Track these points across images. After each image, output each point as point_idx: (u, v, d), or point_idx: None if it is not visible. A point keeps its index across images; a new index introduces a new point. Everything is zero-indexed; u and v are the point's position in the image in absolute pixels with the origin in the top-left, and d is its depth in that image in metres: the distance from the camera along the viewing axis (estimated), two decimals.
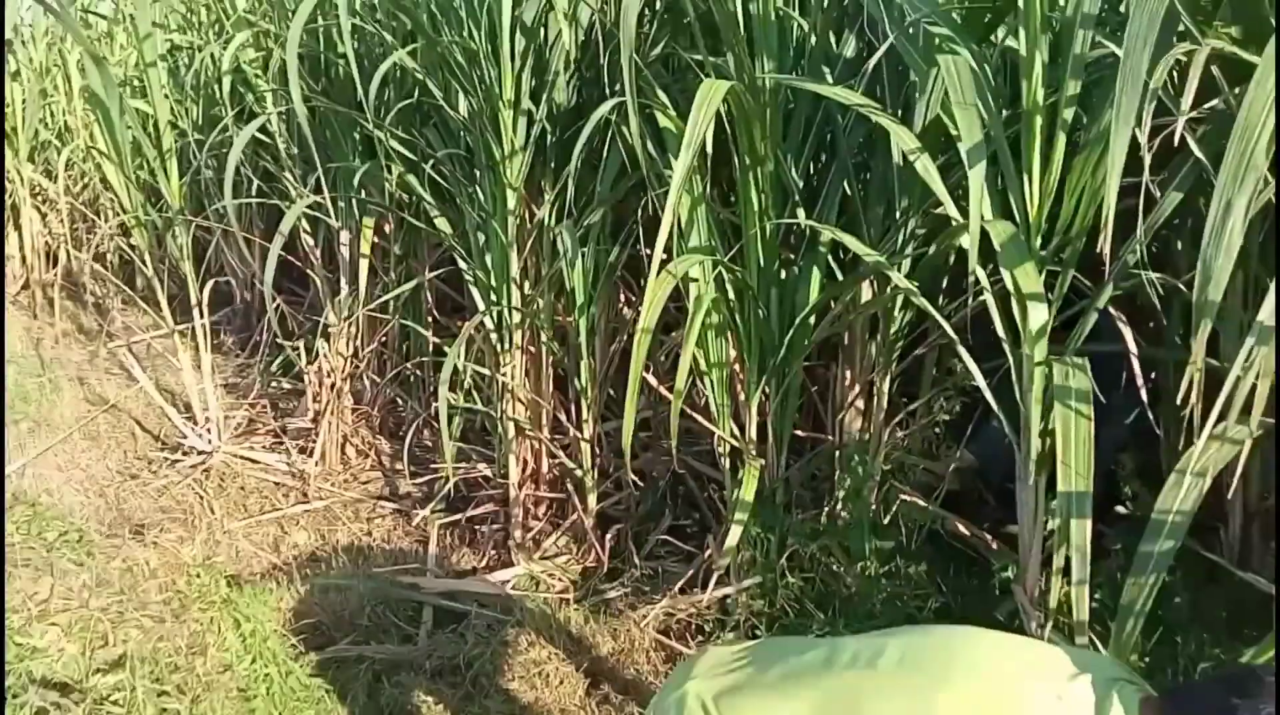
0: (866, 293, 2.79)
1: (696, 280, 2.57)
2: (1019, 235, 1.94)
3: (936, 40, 2.20)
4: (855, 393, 2.90)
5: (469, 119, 3.24)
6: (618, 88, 3.04)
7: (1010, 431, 2.22)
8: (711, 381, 2.78)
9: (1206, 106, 1.85)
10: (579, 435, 3.42)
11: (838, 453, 2.99)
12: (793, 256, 2.80)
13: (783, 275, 2.75)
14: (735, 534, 2.56)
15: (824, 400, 3.15)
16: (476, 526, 3.63)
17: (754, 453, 2.87)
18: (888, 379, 2.76)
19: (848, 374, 2.93)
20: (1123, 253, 2.00)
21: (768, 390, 2.84)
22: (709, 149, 2.63)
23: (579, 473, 3.46)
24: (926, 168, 2.10)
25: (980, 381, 2.18)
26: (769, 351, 2.77)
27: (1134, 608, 1.69)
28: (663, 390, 3.02)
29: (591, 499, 3.48)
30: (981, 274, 2.11)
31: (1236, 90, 1.81)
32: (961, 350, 2.18)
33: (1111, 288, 2.02)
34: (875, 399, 2.81)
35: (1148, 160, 1.77)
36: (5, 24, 2.84)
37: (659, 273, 2.24)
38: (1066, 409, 1.75)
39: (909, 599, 2.56)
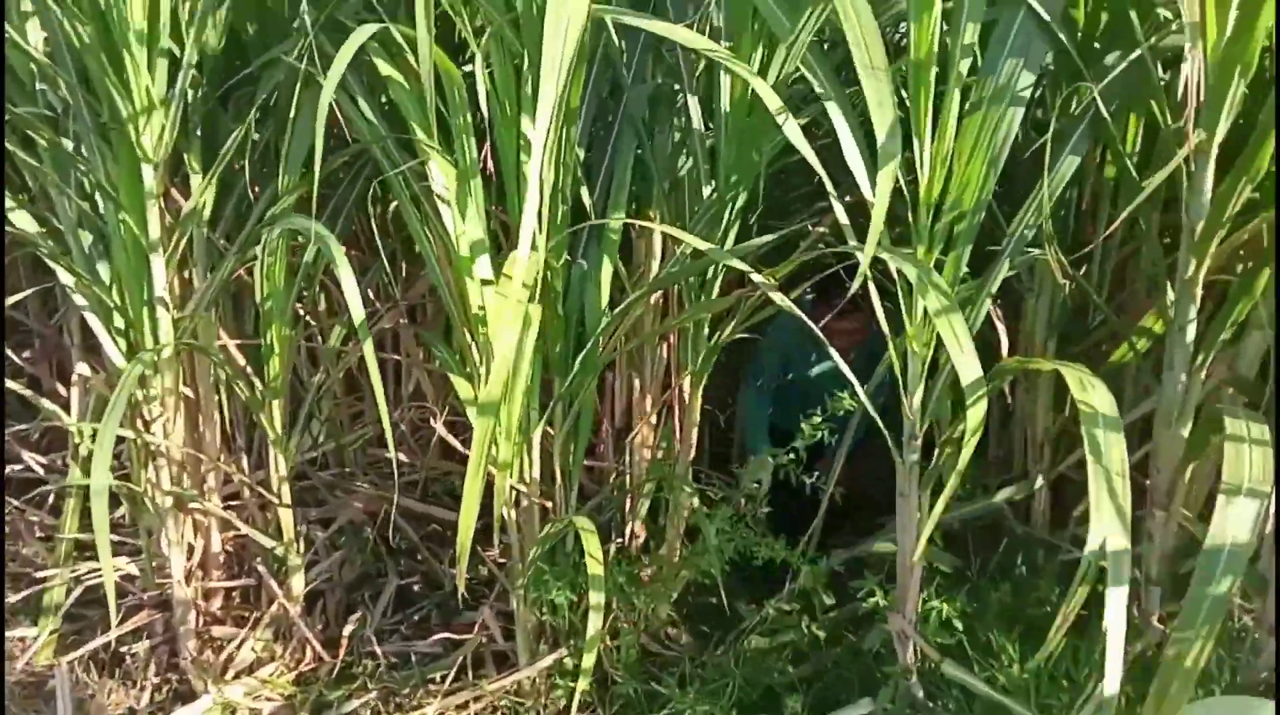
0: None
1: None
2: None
3: None
4: (649, 407, 2.42)
5: (58, 59, 2.16)
6: (296, 24, 2.21)
7: (892, 441, 1.90)
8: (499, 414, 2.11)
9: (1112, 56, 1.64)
10: (274, 497, 2.53)
11: (628, 480, 2.50)
12: (568, 255, 2.21)
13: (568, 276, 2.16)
14: (595, 624, 1.94)
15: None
16: (127, 649, 2.56)
17: (540, 495, 2.27)
18: (700, 386, 2.30)
19: (636, 384, 2.44)
20: (1016, 227, 1.75)
21: (550, 421, 2.25)
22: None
23: (276, 547, 2.57)
24: (796, 135, 1.66)
25: (863, 396, 1.82)
26: (557, 372, 2.18)
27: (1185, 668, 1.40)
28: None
29: (296, 580, 2.61)
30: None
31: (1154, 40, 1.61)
32: (842, 365, 1.79)
33: (1006, 267, 1.76)
34: (683, 409, 2.35)
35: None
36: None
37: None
38: (1097, 434, 1.40)
39: (774, 647, 2.16)
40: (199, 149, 2.35)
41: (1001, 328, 1.79)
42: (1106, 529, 1.34)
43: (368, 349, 1.78)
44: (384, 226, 2.83)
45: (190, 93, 2.29)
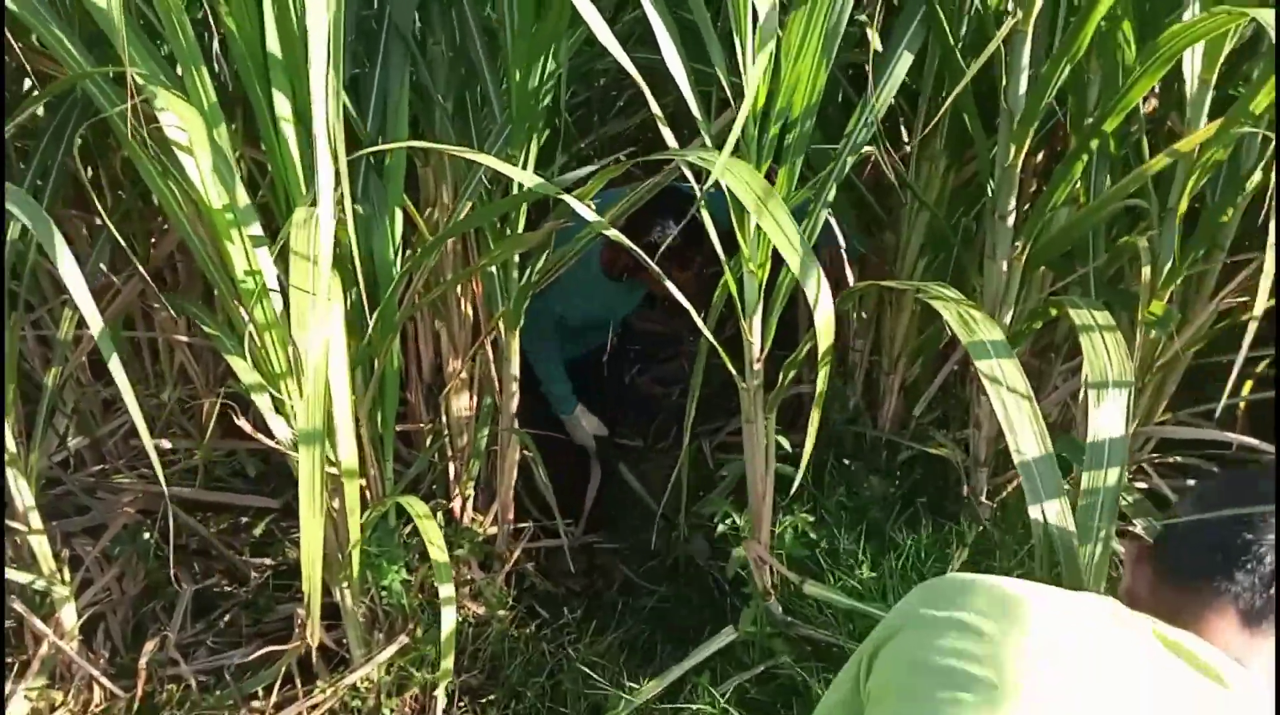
0: None
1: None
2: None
3: None
4: (461, 358, 2.18)
5: None
6: None
7: (731, 362, 1.78)
8: (286, 388, 1.80)
9: None
10: (21, 524, 2.10)
11: (447, 441, 2.26)
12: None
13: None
14: (450, 620, 1.72)
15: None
16: None
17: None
18: (516, 329, 2.08)
19: (444, 335, 2.18)
20: (854, 132, 1.64)
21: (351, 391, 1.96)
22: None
23: (34, 581, 2.15)
24: (604, 32, 1.44)
25: (704, 328, 1.67)
26: (350, 332, 1.89)
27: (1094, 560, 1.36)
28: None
29: (67, 612, 2.21)
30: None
31: None
32: (678, 294, 1.63)
33: (841, 173, 1.65)
34: (499, 356, 2.13)
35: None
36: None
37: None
38: (990, 366, 1.30)
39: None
40: None
41: (839, 233, 1.69)
42: (1029, 449, 1.29)
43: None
44: (115, 176, 2.36)
45: None
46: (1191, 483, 2.30)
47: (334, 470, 1.91)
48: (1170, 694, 0.84)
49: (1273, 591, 0.90)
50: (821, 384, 1.47)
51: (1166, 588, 0.96)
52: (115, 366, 1.30)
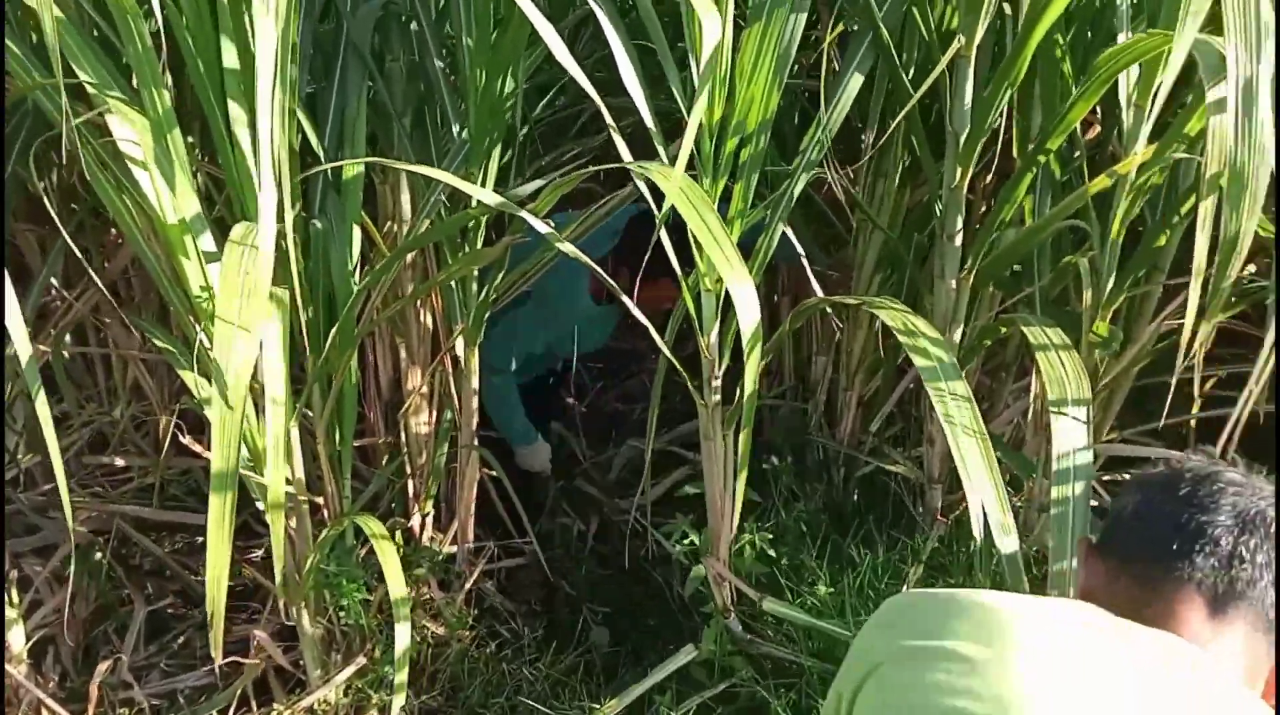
0: None
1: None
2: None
3: None
4: (420, 374, 2.18)
5: None
6: None
7: (691, 382, 1.80)
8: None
9: None
10: None
11: (406, 459, 2.25)
12: (303, 211, 1.89)
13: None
14: (404, 634, 1.71)
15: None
16: None
17: (306, 489, 1.99)
18: (476, 345, 2.08)
19: (402, 351, 2.18)
20: (807, 148, 1.67)
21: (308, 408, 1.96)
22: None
23: None
24: (560, 49, 1.46)
25: (663, 347, 1.69)
26: (308, 348, 1.88)
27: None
28: None
29: (15, 635, 2.16)
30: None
31: None
32: (626, 303, 1.66)
33: (793, 190, 1.68)
34: (459, 372, 2.13)
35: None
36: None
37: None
38: (933, 368, 1.33)
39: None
40: None
41: (799, 247, 1.72)
42: (978, 488, 1.32)
43: None
44: (70, 188, 2.33)
45: None
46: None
47: (291, 489, 1.91)
48: (1170, 695, 0.78)
49: (1234, 573, 0.84)
50: (750, 387, 1.50)
51: (1124, 581, 0.89)
52: (41, 405, 1.29)
